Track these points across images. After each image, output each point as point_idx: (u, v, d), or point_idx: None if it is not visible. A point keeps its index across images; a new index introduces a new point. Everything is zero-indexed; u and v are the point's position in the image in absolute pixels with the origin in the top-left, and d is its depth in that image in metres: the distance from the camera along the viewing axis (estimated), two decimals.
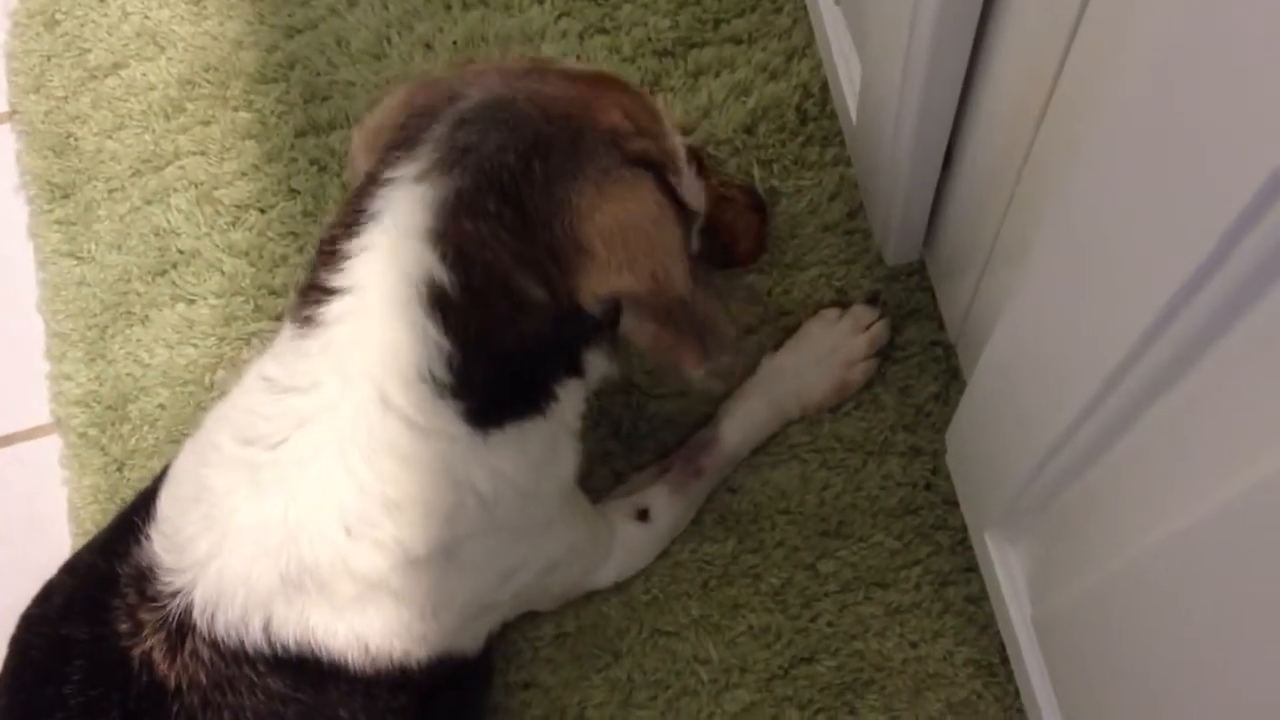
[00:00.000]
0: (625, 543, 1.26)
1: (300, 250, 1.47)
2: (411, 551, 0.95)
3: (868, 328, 1.33)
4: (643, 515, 1.27)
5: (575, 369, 1.00)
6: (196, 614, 0.95)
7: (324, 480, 0.93)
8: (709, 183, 1.13)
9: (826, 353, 1.32)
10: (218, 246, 1.49)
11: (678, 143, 1.03)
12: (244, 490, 0.95)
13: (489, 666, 1.20)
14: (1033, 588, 1.06)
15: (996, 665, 1.24)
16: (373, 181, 0.93)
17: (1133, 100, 0.58)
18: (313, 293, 0.93)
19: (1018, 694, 1.21)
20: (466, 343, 0.90)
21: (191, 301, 1.47)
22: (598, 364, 1.02)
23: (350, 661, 0.97)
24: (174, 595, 0.96)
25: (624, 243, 0.91)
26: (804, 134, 1.43)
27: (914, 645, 1.26)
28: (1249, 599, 0.60)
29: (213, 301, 1.47)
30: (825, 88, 1.44)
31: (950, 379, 1.33)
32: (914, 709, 1.24)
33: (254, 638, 0.95)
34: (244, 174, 1.51)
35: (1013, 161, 0.93)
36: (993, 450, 1.04)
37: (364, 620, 0.97)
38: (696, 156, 1.25)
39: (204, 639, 0.95)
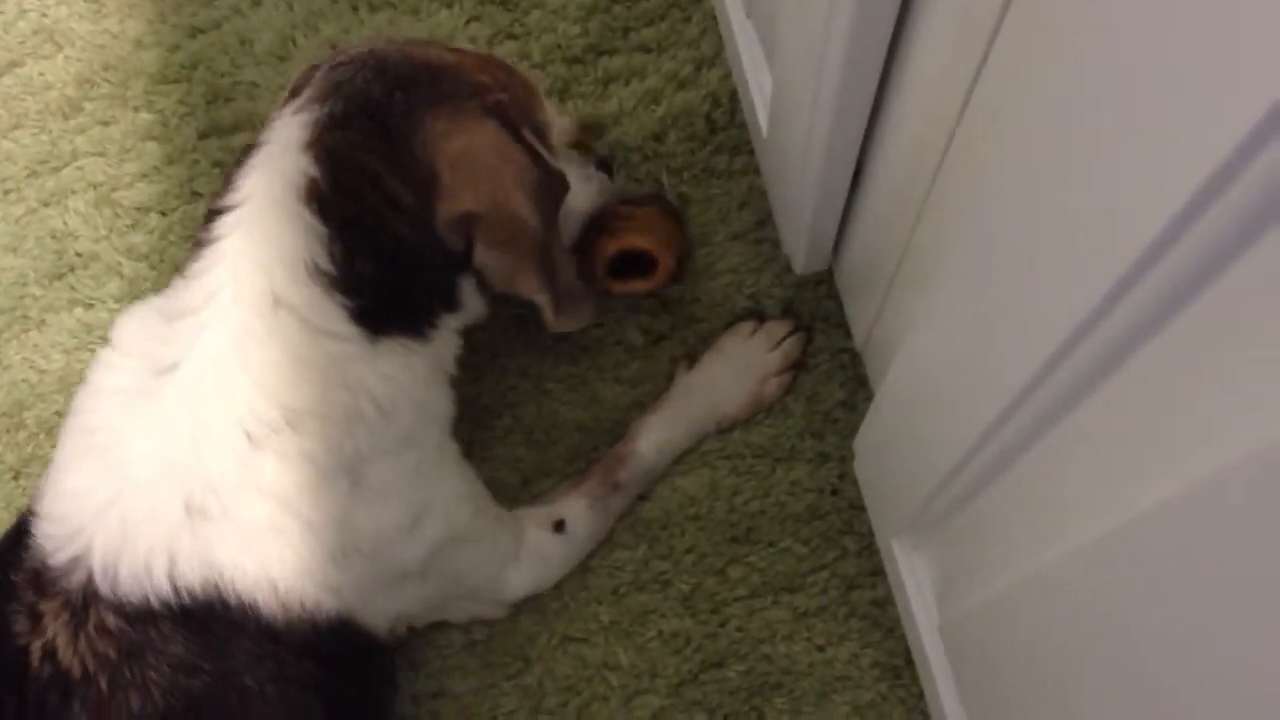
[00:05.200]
0: (539, 551, 1.25)
1: None
2: (315, 460, 0.96)
3: (781, 341, 1.34)
4: (559, 526, 1.26)
5: (451, 301, 1.07)
6: (98, 576, 0.93)
7: (222, 381, 0.95)
8: (619, 188, 1.17)
9: (741, 368, 1.33)
10: (117, 250, 1.45)
11: (554, 120, 1.13)
12: (142, 415, 0.96)
13: (393, 673, 1.19)
14: (939, 594, 1.09)
15: (901, 668, 1.26)
16: (263, 125, 1.04)
17: (1044, 121, 0.58)
18: (207, 217, 1.01)
19: (922, 695, 1.24)
20: (343, 229, 0.98)
21: (90, 306, 1.44)
22: (471, 300, 1.09)
23: (259, 603, 0.95)
24: (72, 565, 0.94)
25: (468, 168, 1.01)
26: (713, 142, 1.45)
27: (821, 649, 1.28)
28: (1150, 608, 0.62)
29: (112, 306, 1.44)
30: (734, 97, 1.46)
31: (857, 386, 1.35)
32: (821, 712, 1.26)
33: (159, 586, 0.93)
34: (145, 176, 1.48)
35: (921, 179, 0.94)
36: (900, 462, 1.05)
37: (273, 552, 0.96)
38: (604, 162, 1.27)
39: (109, 604, 0.93)
